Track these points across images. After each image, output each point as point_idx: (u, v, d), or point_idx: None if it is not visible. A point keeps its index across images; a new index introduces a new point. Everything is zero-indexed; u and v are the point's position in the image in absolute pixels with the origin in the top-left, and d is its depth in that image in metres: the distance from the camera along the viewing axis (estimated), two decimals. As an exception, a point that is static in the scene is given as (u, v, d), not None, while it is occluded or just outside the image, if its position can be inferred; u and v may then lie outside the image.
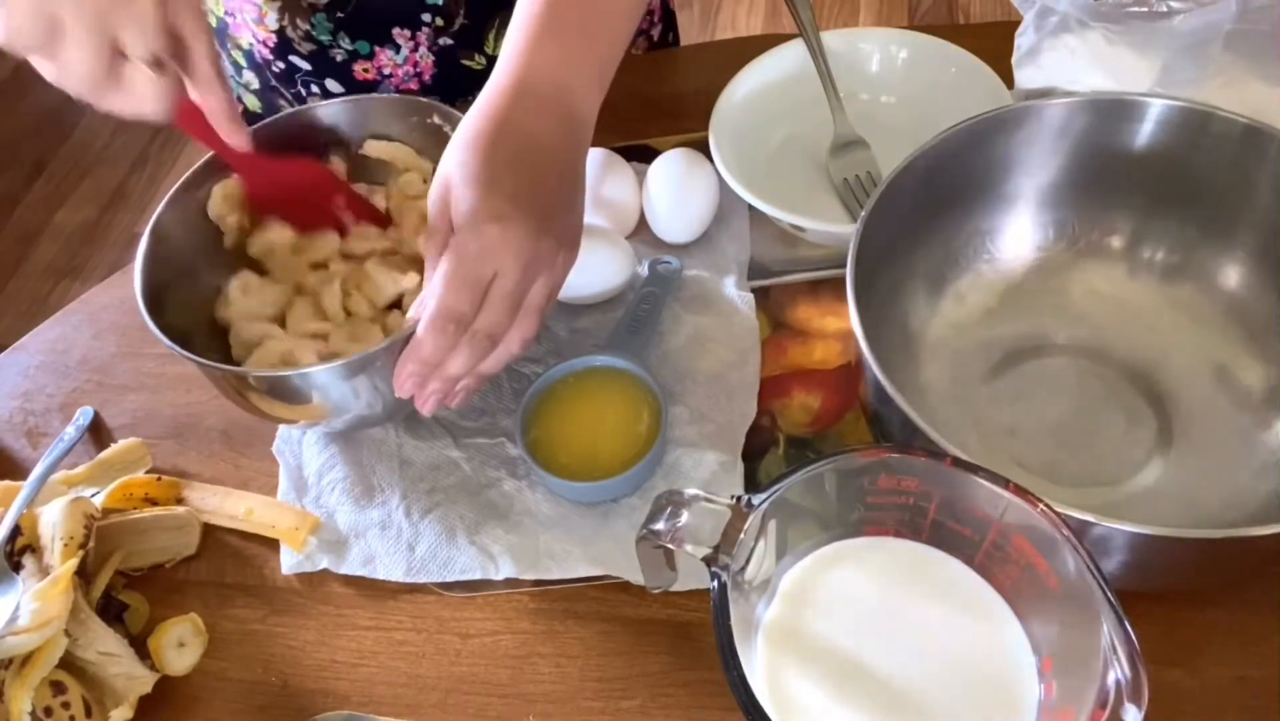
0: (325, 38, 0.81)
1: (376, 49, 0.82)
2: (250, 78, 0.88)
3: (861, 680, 0.43)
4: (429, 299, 0.53)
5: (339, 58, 0.83)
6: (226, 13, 0.84)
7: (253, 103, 0.89)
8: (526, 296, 0.54)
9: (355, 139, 0.70)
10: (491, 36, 0.84)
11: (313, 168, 0.67)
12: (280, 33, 0.82)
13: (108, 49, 0.50)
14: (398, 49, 0.82)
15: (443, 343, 0.53)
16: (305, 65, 0.84)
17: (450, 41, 0.83)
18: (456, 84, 0.85)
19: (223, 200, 0.67)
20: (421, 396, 0.55)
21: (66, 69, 0.50)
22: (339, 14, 0.80)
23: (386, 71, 0.84)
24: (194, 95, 0.57)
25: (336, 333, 0.62)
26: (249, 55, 0.86)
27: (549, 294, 0.56)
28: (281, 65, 0.84)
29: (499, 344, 0.54)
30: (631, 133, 0.79)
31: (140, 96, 0.52)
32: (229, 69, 0.88)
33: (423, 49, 0.82)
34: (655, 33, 0.95)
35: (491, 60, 0.83)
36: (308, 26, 0.81)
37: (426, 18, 0.81)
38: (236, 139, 0.60)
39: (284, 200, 0.66)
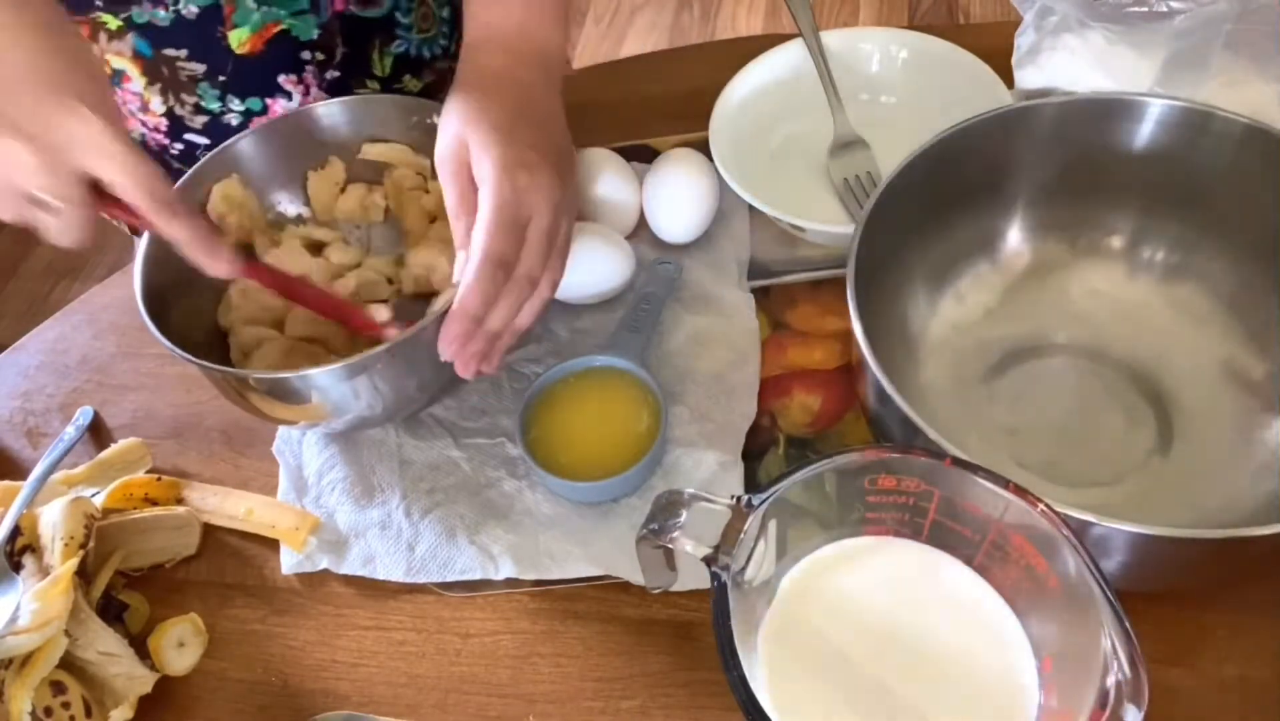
0: (215, 105, 0.79)
1: (268, 101, 0.80)
2: None
3: (861, 680, 0.43)
4: (472, 249, 0.54)
5: (235, 121, 0.80)
6: None
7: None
8: (557, 238, 0.57)
9: (354, 139, 0.70)
10: (376, 58, 0.82)
11: (317, 298, 0.63)
12: (169, 114, 0.79)
13: (14, 196, 0.53)
14: (289, 96, 0.80)
15: (490, 289, 0.54)
16: (203, 140, 0.81)
17: (338, 73, 0.80)
18: None
19: (222, 200, 0.67)
20: (463, 358, 0.55)
21: None
22: (220, 78, 0.77)
23: None
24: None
25: (335, 337, 0.62)
26: (141, 145, 0.82)
27: (569, 235, 0.59)
28: (180, 146, 0.82)
29: (535, 289, 0.56)
30: (631, 133, 0.79)
31: (56, 236, 0.54)
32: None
33: (314, 89, 0.80)
34: None
35: (384, 81, 0.83)
36: (195, 99, 0.78)
37: (306, 55, 0.78)
38: (218, 269, 0.57)
39: (286, 295, 0.64)
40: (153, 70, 0.77)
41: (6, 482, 0.65)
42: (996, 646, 0.43)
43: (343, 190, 0.71)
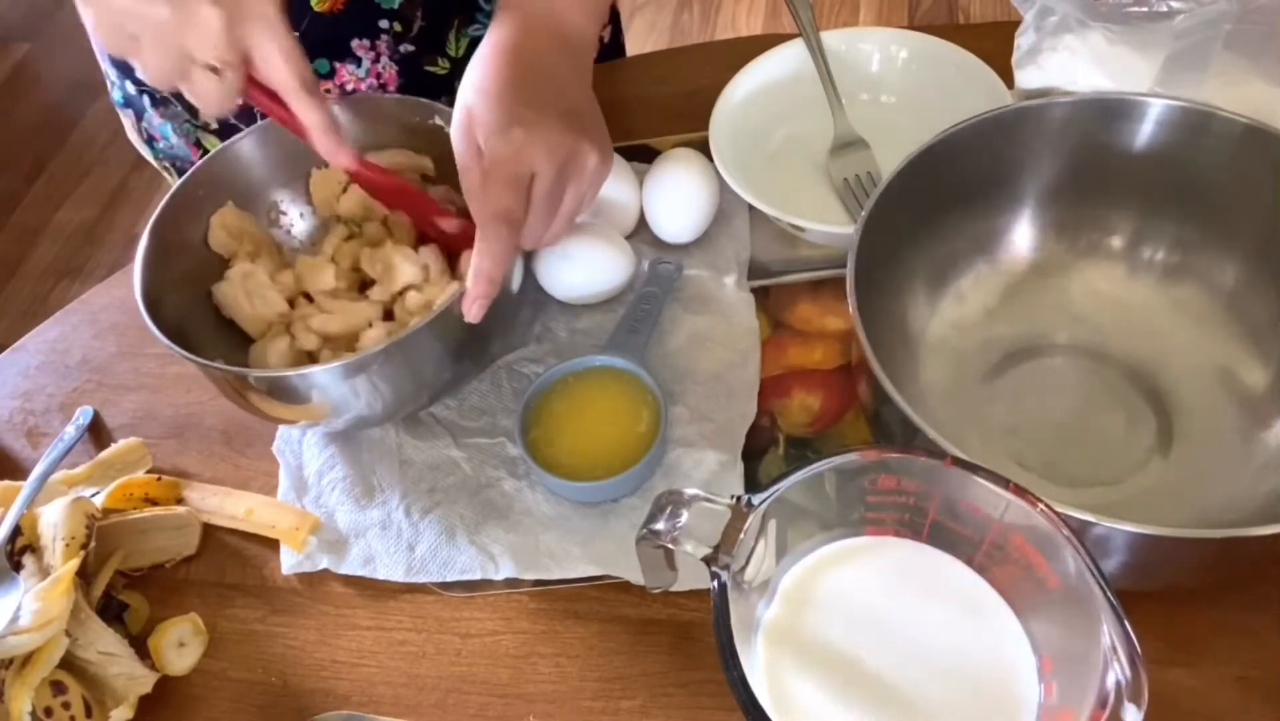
0: None
1: (336, 65, 0.79)
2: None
3: (861, 680, 0.43)
4: (477, 212, 0.57)
5: None
6: None
7: (214, 143, 0.85)
8: (562, 202, 0.59)
9: (356, 139, 0.70)
10: (452, 38, 0.82)
11: (409, 191, 0.67)
12: None
13: (179, 57, 0.55)
14: (359, 62, 0.79)
15: (499, 247, 0.56)
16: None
17: (411, 48, 0.80)
18: (421, 93, 0.80)
19: (222, 230, 0.67)
20: (465, 302, 0.57)
21: (146, 71, 0.57)
22: (294, 33, 0.77)
23: (349, 88, 0.81)
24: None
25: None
26: None
27: (579, 201, 0.61)
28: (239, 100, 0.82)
29: (539, 247, 0.60)
30: (631, 133, 0.79)
31: (203, 98, 0.58)
32: (183, 114, 0.84)
33: (384, 59, 0.80)
34: (605, 34, 0.94)
35: (455, 63, 0.82)
36: None
37: (384, 24, 0.78)
38: (337, 159, 0.61)
39: (383, 197, 0.67)
40: None
41: (6, 482, 0.65)
42: (996, 646, 0.43)
43: (344, 189, 0.71)
